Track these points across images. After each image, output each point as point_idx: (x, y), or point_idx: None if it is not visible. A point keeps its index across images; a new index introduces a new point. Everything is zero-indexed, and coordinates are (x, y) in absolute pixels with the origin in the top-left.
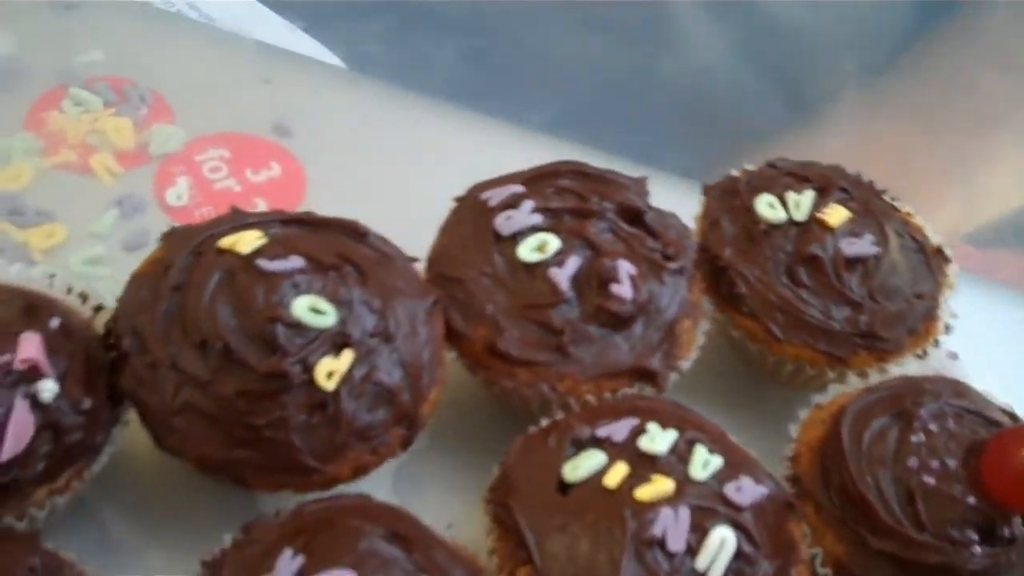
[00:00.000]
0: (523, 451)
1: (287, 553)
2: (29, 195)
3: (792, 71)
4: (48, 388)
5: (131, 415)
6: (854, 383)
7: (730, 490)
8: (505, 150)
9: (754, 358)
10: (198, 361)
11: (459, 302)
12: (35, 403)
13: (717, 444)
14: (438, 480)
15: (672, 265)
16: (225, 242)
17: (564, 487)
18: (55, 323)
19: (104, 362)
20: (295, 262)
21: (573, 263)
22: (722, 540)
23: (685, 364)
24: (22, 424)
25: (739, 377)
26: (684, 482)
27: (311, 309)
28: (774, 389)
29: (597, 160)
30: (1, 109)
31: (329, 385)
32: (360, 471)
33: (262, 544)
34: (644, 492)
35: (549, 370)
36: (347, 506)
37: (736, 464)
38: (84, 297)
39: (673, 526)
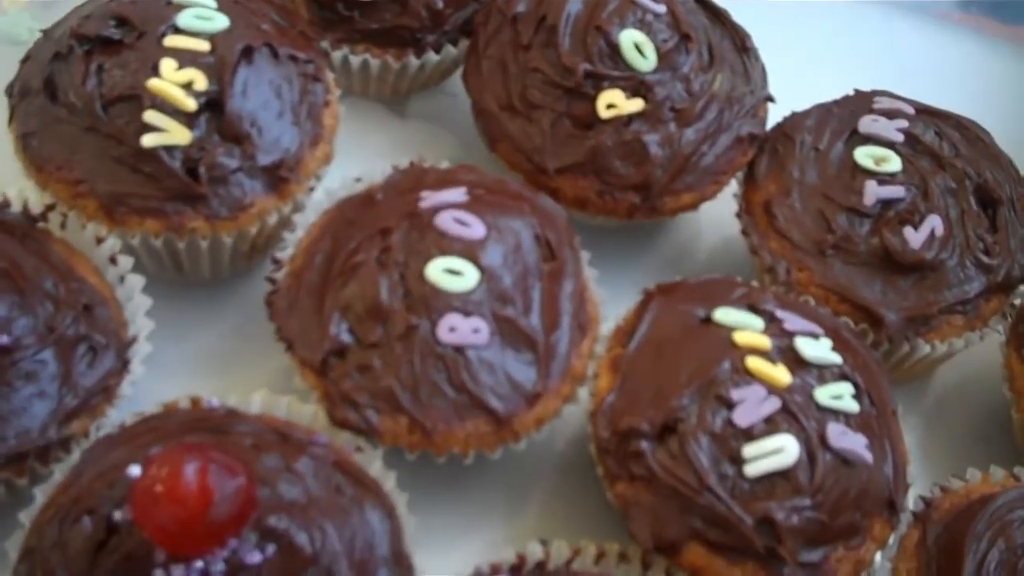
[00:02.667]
0: (708, 282)
1: (463, 189)
2: None
3: None
4: None
5: None
6: None
7: (833, 429)
8: None
9: (1009, 403)
10: (530, 30)
11: (775, 154)
12: None
13: (872, 403)
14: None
15: (983, 259)
16: None
17: (707, 321)
18: None
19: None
20: (659, 8)
21: (893, 191)
22: (782, 447)
23: (923, 346)
24: None
25: (986, 406)
26: (801, 389)
27: (635, 44)
28: (1004, 441)
29: None
30: None
31: (602, 112)
32: (578, 203)
33: (454, 175)
34: (755, 364)
35: (797, 254)
36: (534, 200)
37: (867, 425)
38: None
39: (753, 403)
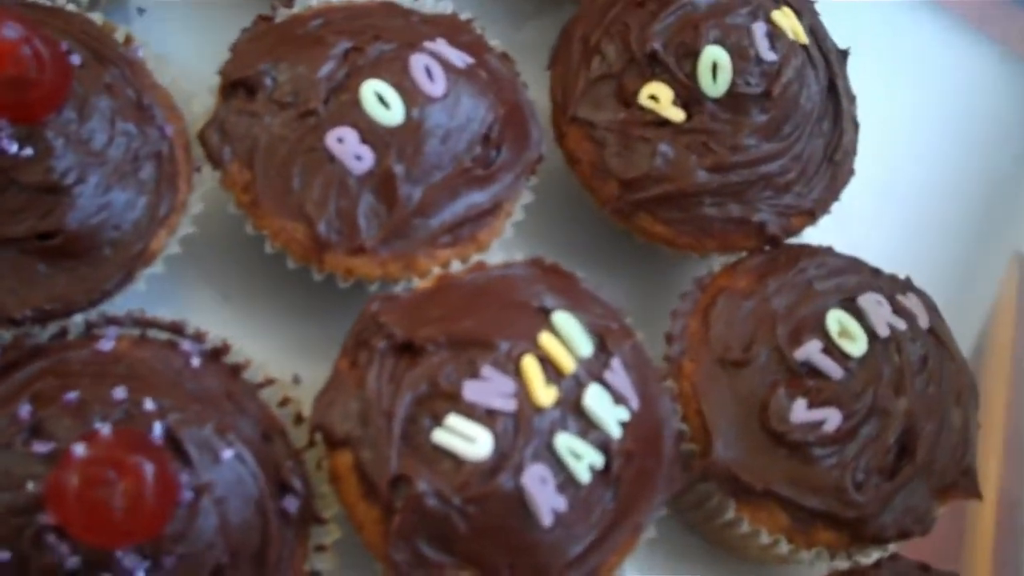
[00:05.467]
0: (594, 297)
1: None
2: None
3: None
4: None
5: None
6: None
7: (540, 472)
8: None
9: None
10: None
11: (773, 261)
12: None
13: (615, 498)
14: None
15: (849, 488)
16: None
17: (543, 311)
18: None
19: None
20: (769, 56)
21: (829, 366)
22: (477, 440)
23: (731, 511)
24: None
25: None
26: (550, 421)
27: (713, 64)
28: None
29: None
30: None
31: (642, 99)
32: (572, 159)
33: (481, 49)
34: (530, 366)
35: (702, 347)
36: (525, 117)
37: (584, 503)
38: None
39: (492, 389)
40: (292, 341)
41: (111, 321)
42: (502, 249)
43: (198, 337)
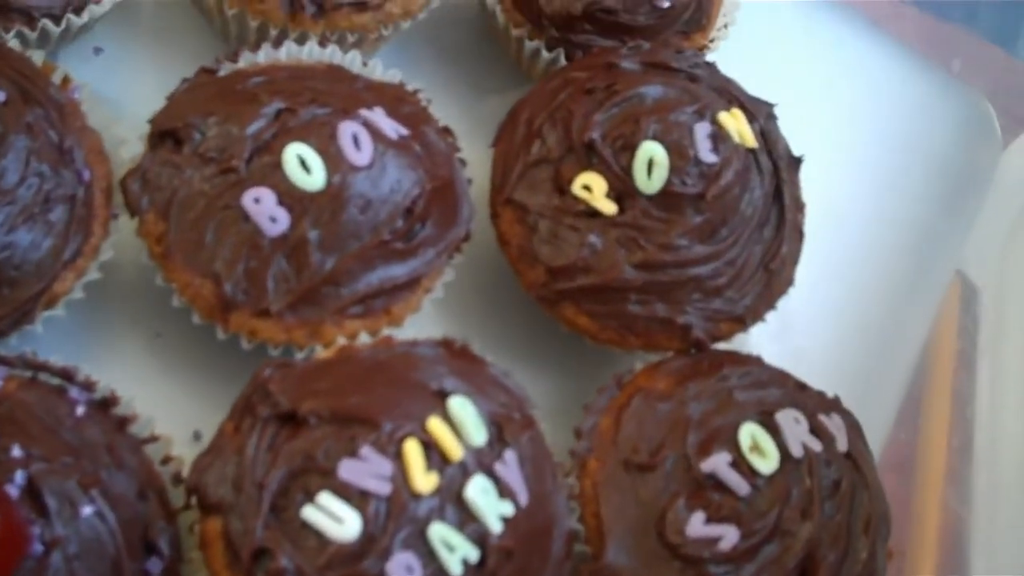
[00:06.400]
0: (502, 382)
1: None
2: None
3: None
4: None
5: None
6: None
7: (407, 561)
8: None
9: None
10: (602, 85)
11: (696, 365)
12: None
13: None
14: None
15: None
16: None
17: (440, 395)
18: None
19: None
20: (710, 158)
21: (736, 482)
22: (345, 522)
23: None
24: None
25: None
26: (427, 508)
27: (649, 161)
28: None
29: None
30: None
31: (575, 188)
32: (503, 240)
33: (419, 120)
34: (412, 450)
35: (611, 449)
36: (454, 196)
37: None
38: None
39: (368, 471)
40: (193, 398)
41: (1, 361)
42: (419, 326)
43: (88, 385)
